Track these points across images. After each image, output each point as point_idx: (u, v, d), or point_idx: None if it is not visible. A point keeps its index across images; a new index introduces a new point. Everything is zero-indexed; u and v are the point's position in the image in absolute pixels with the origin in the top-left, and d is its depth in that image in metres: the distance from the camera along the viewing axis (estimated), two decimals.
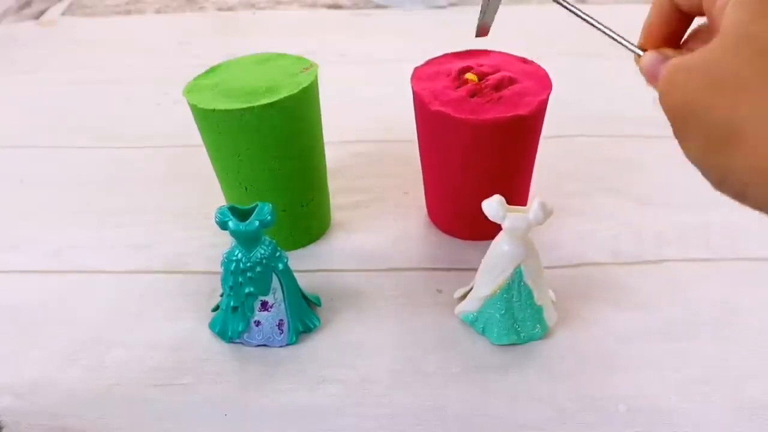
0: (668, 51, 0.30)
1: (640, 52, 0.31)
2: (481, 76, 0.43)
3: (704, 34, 0.30)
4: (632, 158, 0.55)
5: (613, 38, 0.32)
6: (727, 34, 0.25)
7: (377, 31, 0.82)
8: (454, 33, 0.80)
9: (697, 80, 0.26)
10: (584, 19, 0.33)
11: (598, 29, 0.33)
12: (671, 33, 0.31)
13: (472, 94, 0.41)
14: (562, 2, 0.34)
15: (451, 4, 0.88)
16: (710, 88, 0.25)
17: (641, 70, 0.31)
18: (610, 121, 0.61)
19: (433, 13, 0.86)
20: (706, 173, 0.26)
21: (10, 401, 0.37)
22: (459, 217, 0.46)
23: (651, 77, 0.30)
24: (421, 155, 0.47)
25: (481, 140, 0.40)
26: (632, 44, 0.32)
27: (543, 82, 0.42)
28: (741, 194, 0.25)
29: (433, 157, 0.44)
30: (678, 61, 0.27)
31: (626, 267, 0.44)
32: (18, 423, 0.36)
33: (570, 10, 0.33)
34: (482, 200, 0.36)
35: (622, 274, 0.43)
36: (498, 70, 0.43)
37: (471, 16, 0.85)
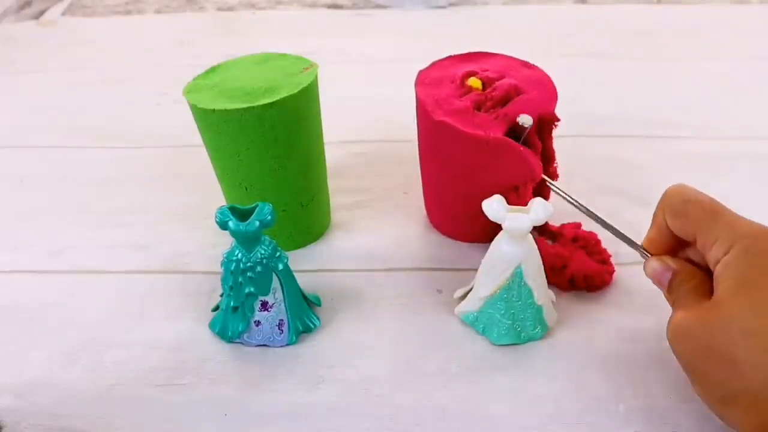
0: (669, 259, 0.35)
1: (647, 256, 0.36)
2: (486, 82, 0.42)
3: (698, 253, 0.33)
4: (632, 158, 0.55)
5: (621, 238, 0.37)
6: (720, 307, 0.29)
7: (377, 31, 0.82)
8: (454, 33, 0.81)
9: (696, 346, 0.30)
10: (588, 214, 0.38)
11: (606, 227, 0.37)
12: (670, 247, 0.35)
13: (478, 106, 0.40)
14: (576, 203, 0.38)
15: (451, 4, 0.88)
16: (707, 356, 0.29)
17: (645, 272, 0.36)
18: (610, 121, 0.61)
19: (433, 13, 0.86)
20: (712, 411, 0.31)
21: (10, 401, 0.37)
22: (459, 222, 0.46)
23: (656, 282, 0.35)
24: (420, 160, 0.46)
25: (485, 156, 0.40)
26: (639, 246, 0.36)
27: (549, 92, 0.41)
28: None
29: (434, 164, 0.44)
30: (680, 320, 0.31)
31: (626, 267, 0.44)
32: (18, 423, 0.36)
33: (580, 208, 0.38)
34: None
35: (622, 274, 0.43)
36: (503, 76, 0.42)
37: (471, 16, 0.85)
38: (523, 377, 0.37)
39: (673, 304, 0.34)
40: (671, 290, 0.34)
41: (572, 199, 0.37)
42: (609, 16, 0.83)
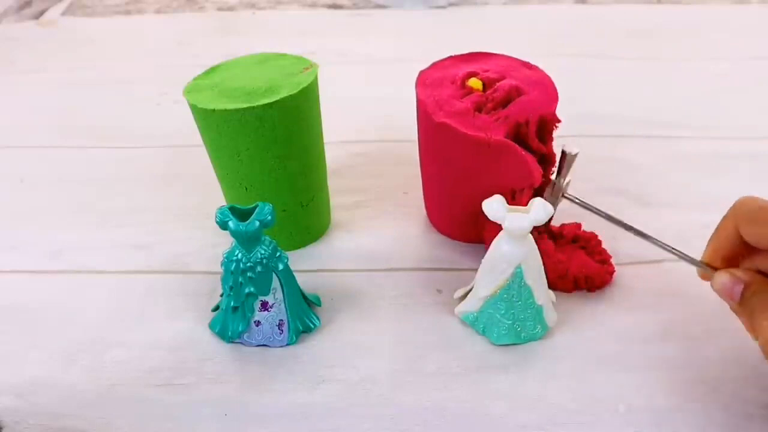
0: (737, 272, 0.33)
1: (709, 271, 0.35)
2: (487, 83, 0.42)
3: (766, 261, 0.33)
4: (632, 158, 0.55)
5: (680, 256, 0.36)
6: None
7: (377, 31, 0.82)
8: (454, 33, 0.81)
9: None
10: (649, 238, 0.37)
11: (665, 248, 0.36)
12: (733, 257, 0.34)
13: (479, 107, 0.40)
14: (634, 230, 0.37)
15: (451, 4, 0.88)
16: None
17: (713, 287, 0.34)
18: (610, 121, 0.61)
19: (433, 13, 0.86)
20: None
21: (10, 401, 0.37)
22: (458, 222, 0.46)
23: (726, 296, 0.34)
24: (421, 161, 0.46)
25: (486, 158, 0.40)
26: (700, 262, 0.36)
27: (549, 93, 0.41)
28: None
29: (434, 165, 0.44)
30: None
31: (626, 267, 0.44)
32: (18, 423, 0.36)
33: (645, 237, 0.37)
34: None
35: (622, 274, 0.43)
36: (503, 77, 0.42)
37: (471, 16, 0.85)
38: (523, 377, 0.37)
39: (749, 315, 0.33)
40: (744, 302, 0.33)
41: (617, 219, 0.37)
42: (609, 16, 0.83)
